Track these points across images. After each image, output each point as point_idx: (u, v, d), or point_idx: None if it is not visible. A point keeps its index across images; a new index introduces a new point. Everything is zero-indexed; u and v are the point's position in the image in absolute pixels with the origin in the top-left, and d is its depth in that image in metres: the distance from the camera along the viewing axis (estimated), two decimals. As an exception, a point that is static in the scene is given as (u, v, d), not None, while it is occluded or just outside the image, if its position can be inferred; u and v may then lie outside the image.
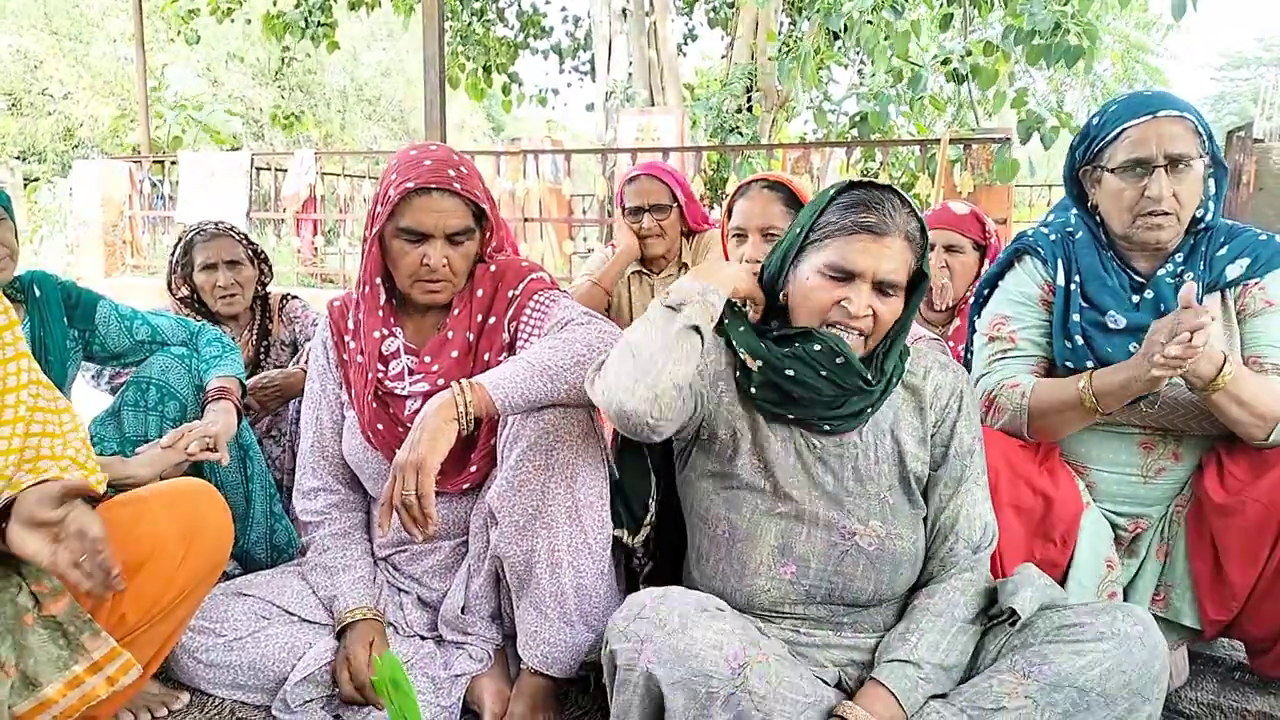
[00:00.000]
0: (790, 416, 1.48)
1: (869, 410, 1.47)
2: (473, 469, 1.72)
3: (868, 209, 1.42)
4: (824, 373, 1.42)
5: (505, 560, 1.63)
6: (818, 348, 1.42)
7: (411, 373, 1.76)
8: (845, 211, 1.43)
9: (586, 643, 1.63)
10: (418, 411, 1.67)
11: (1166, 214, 1.66)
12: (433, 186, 1.66)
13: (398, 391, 1.75)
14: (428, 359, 1.75)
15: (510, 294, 1.76)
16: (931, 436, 1.51)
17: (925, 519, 1.50)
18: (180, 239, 2.60)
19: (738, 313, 1.54)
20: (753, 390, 1.49)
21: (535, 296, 1.75)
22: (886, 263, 1.41)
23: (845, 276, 1.42)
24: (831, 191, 1.47)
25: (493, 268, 1.80)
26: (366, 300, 1.76)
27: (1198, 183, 1.66)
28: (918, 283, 1.47)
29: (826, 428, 1.47)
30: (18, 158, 15.50)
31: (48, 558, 1.23)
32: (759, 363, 1.47)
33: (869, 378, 1.43)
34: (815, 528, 1.45)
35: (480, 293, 1.77)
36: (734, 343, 1.51)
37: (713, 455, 1.53)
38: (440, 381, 1.72)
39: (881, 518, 1.45)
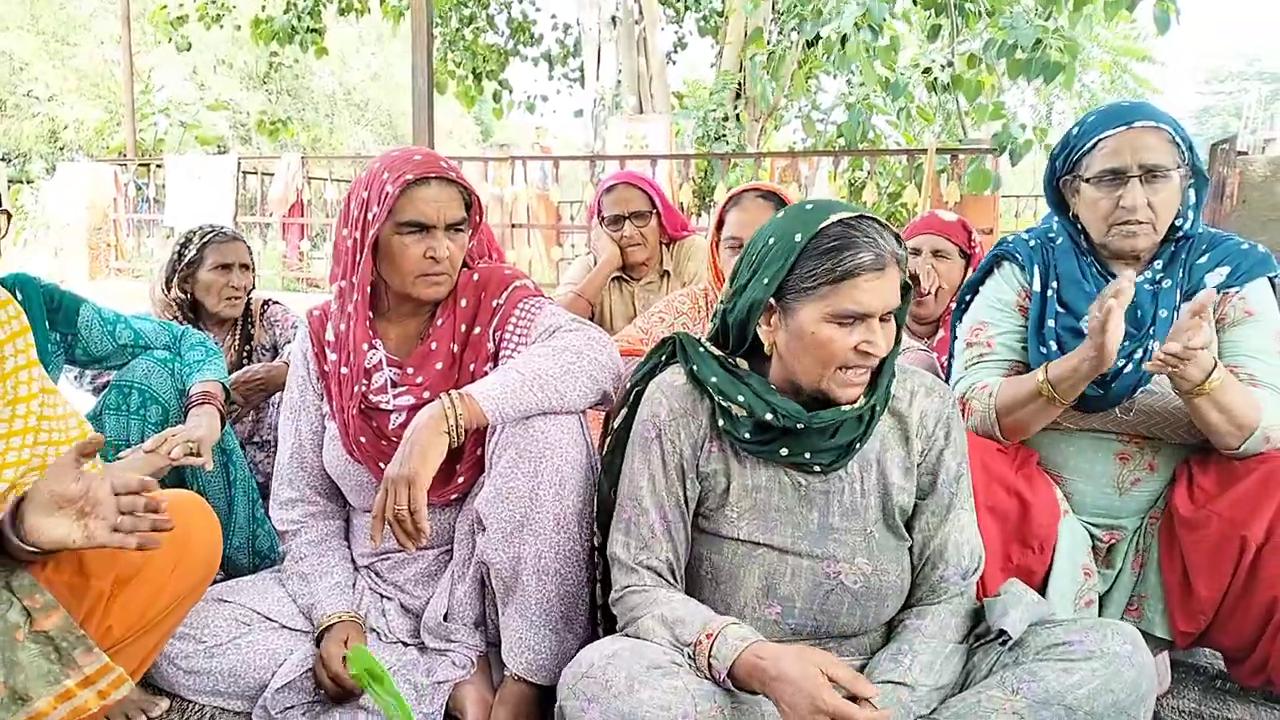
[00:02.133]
0: (784, 452, 1.40)
1: (858, 445, 1.41)
2: (459, 479, 1.71)
3: (858, 247, 1.31)
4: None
5: (492, 566, 1.62)
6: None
7: (395, 385, 1.74)
8: (834, 255, 1.32)
9: (572, 650, 1.63)
10: (403, 425, 1.67)
11: (1141, 223, 1.67)
12: (432, 176, 1.66)
13: (381, 405, 1.73)
14: (410, 371, 1.73)
15: (494, 303, 1.75)
16: (918, 465, 1.46)
17: (913, 544, 1.48)
18: (189, 238, 2.60)
19: (703, 354, 1.47)
20: (746, 435, 1.41)
21: (520, 304, 1.75)
22: (890, 294, 1.34)
23: (858, 319, 1.33)
24: (799, 240, 1.34)
25: (476, 276, 1.78)
26: (359, 310, 1.71)
27: (1175, 192, 1.67)
28: (904, 294, 1.41)
29: (817, 467, 1.41)
30: (2, 159, 15.39)
31: (81, 536, 1.19)
32: (744, 410, 1.40)
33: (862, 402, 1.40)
34: (799, 568, 1.42)
35: (464, 302, 1.76)
36: (711, 391, 1.43)
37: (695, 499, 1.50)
38: (426, 395, 1.70)
39: (867, 554, 1.42)
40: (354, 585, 1.82)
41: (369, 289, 1.72)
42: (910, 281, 1.40)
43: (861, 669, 1.44)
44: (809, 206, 1.39)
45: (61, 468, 1.20)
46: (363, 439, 1.72)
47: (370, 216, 1.65)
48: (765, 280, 1.37)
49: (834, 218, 1.34)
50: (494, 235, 1.87)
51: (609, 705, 1.23)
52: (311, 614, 1.75)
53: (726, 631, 1.28)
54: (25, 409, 1.31)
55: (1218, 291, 1.70)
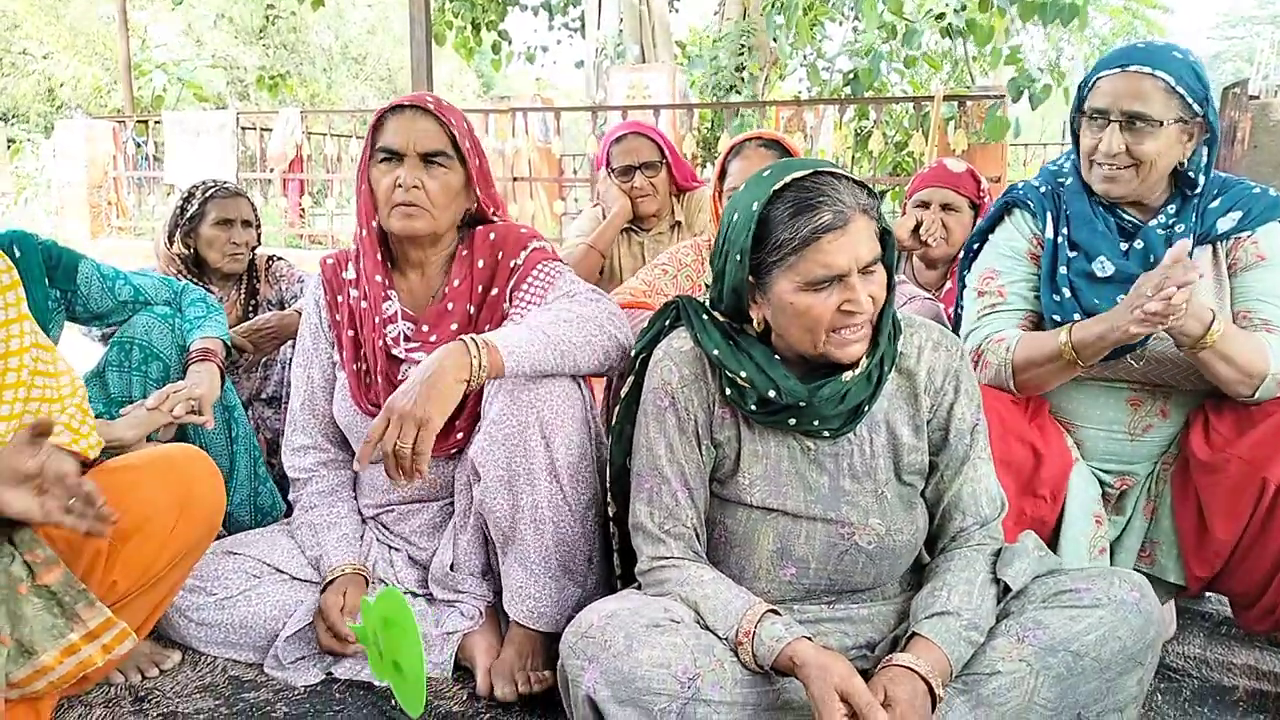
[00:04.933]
0: (791, 421, 1.38)
1: (866, 408, 1.39)
2: (459, 434, 1.71)
3: (815, 209, 1.27)
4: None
5: (489, 516, 1.63)
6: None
7: (408, 339, 1.74)
8: (793, 222, 1.28)
9: (573, 598, 1.64)
10: None
11: (1120, 169, 1.64)
12: (406, 104, 1.69)
13: (394, 353, 1.73)
14: (425, 328, 1.74)
15: (512, 264, 1.75)
16: (929, 422, 1.44)
17: (928, 497, 1.47)
18: (192, 193, 2.60)
19: (705, 323, 1.43)
20: (752, 407, 1.39)
21: (539, 267, 1.74)
22: (861, 247, 1.29)
23: (832, 280, 1.29)
24: (756, 209, 1.30)
25: (492, 235, 1.77)
26: (365, 245, 1.74)
27: (1164, 141, 1.61)
28: (885, 240, 1.36)
29: (826, 434, 1.40)
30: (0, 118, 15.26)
31: (39, 512, 1.19)
32: (748, 382, 1.37)
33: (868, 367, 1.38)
34: (813, 530, 1.41)
35: (481, 263, 1.75)
36: (714, 363, 1.41)
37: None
38: None
39: (880, 514, 1.41)
40: (361, 537, 1.83)
41: (376, 228, 1.74)
42: (888, 228, 1.36)
43: (868, 615, 1.45)
44: (765, 173, 1.35)
45: (18, 444, 1.19)
46: (375, 385, 1.72)
47: (366, 154, 1.70)
48: (738, 259, 1.35)
49: (786, 179, 1.30)
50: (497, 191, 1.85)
51: (609, 665, 1.24)
52: (319, 565, 1.76)
53: (761, 633, 1.28)
54: (18, 362, 1.30)
55: (1229, 238, 1.68)
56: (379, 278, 1.74)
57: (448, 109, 1.72)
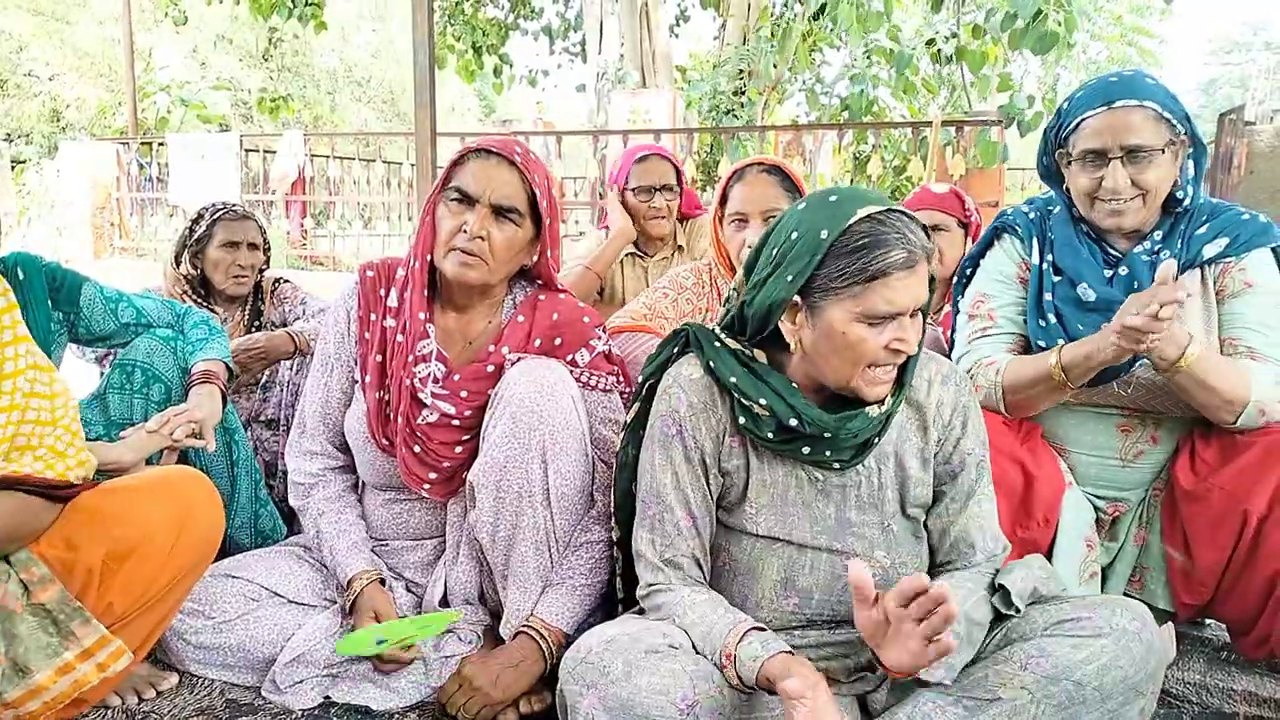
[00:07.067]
0: (805, 450, 1.38)
1: (876, 440, 1.40)
2: (464, 475, 1.69)
3: (889, 245, 1.27)
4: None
5: (484, 539, 1.63)
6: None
7: (436, 381, 1.71)
8: (865, 254, 1.27)
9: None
10: (432, 424, 1.67)
11: (1127, 200, 1.65)
12: (493, 150, 1.65)
13: (419, 395, 1.70)
14: (458, 378, 1.70)
15: (568, 357, 1.72)
16: (935, 455, 1.45)
17: (933, 531, 1.47)
18: (201, 214, 2.61)
19: (719, 350, 1.42)
20: (769, 435, 1.38)
21: (599, 379, 1.73)
22: (922, 290, 1.31)
23: (889, 318, 1.30)
24: (825, 238, 1.29)
25: (555, 315, 1.74)
26: (414, 277, 1.70)
27: (1164, 168, 1.64)
28: (929, 284, 1.36)
29: (837, 465, 1.40)
30: (5, 139, 15.33)
31: None
32: (767, 410, 1.37)
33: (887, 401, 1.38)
34: (818, 561, 1.41)
35: (538, 342, 1.72)
36: (731, 391, 1.40)
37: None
38: (468, 413, 1.68)
39: (886, 547, 1.41)
40: (370, 547, 1.82)
41: (428, 263, 1.70)
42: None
43: (870, 662, 1.44)
44: (833, 199, 1.34)
45: None
46: (394, 421, 1.71)
47: (438, 189, 1.67)
48: (789, 278, 1.33)
49: (861, 213, 1.29)
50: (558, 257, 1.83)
51: (606, 691, 1.24)
52: (335, 574, 1.76)
53: (740, 654, 1.28)
54: (12, 385, 1.30)
55: (1214, 263, 1.68)
56: (422, 315, 1.71)
57: (534, 165, 1.68)
